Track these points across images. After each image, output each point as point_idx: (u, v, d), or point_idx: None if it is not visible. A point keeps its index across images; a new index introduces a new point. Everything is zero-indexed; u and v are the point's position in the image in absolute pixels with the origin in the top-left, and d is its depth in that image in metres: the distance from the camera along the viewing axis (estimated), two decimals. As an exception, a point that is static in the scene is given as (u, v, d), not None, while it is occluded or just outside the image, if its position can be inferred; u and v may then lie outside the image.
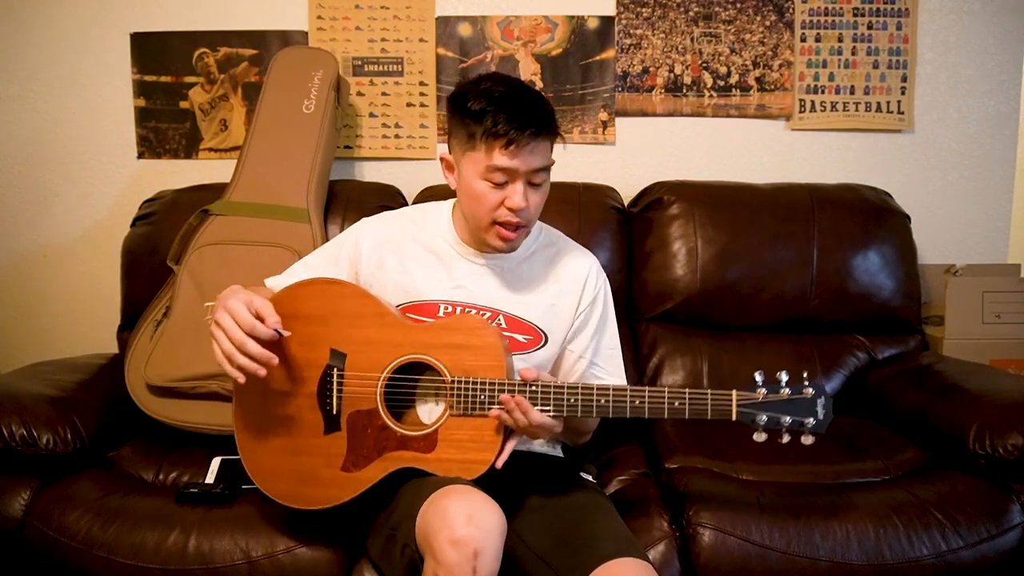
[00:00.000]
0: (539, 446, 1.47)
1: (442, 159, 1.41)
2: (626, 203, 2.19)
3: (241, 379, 1.24)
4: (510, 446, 1.28)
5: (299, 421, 1.34)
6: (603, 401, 1.26)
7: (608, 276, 1.54)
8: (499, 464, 1.26)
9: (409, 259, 1.44)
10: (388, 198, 2.13)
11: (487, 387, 1.27)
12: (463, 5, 2.29)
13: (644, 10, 2.28)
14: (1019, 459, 1.47)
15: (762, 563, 1.40)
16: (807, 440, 1.23)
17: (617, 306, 1.56)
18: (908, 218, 2.14)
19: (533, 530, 1.28)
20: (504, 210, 1.32)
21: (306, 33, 2.29)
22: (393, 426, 1.31)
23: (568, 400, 1.26)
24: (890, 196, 2.16)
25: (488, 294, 1.42)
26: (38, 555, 1.43)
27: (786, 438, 1.24)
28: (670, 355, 2.01)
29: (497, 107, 1.28)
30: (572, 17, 2.29)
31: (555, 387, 1.26)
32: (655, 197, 2.12)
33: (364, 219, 1.53)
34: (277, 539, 1.39)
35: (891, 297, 2.04)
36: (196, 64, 2.30)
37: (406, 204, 2.16)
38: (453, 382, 1.28)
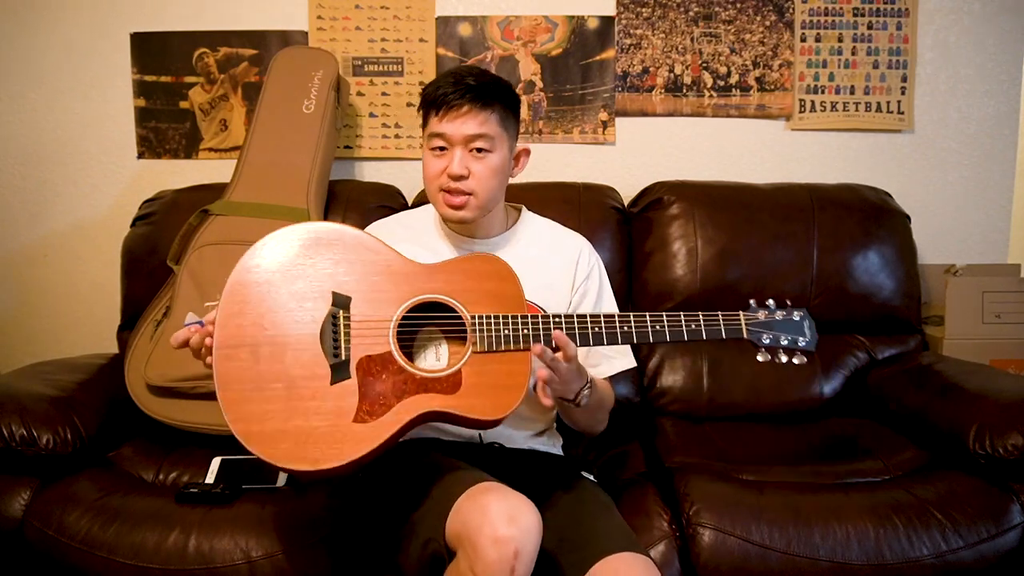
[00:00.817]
0: (541, 445, 1.47)
1: (422, 146, 1.46)
2: (626, 203, 2.19)
3: (207, 360, 1.19)
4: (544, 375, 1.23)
5: (299, 375, 1.19)
6: (626, 328, 1.29)
7: (608, 276, 1.54)
8: (541, 392, 1.23)
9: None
10: (388, 198, 2.13)
11: (509, 322, 1.25)
12: (463, 5, 2.29)
13: (644, 10, 2.28)
14: (1019, 459, 1.47)
15: (762, 563, 1.40)
16: (799, 360, 1.30)
17: (617, 306, 1.55)
18: (908, 218, 2.14)
19: (545, 517, 1.27)
20: (445, 177, 1.37)
21: (306, 33, 2.29)
22: (411, 369, 1.22)
23: (593, 329, 1.27)
24: (890, 196, 2.16)
25: None
26: (38, 555, 1.43)
27: (783, 358, 1.30)
28: (669, 355, 2.01)
29: (439, 78, 1.39)
30: (572, 17, 2.29)
31: (578, 317, 1.27)
32: (655, 197, 2.12)
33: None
34: (277, 539, 1.39)
35: (891, 297, 2.04)
36: (196, 64, 2.30)
37: (406, 204, 2.16)
38: (474, 319, 1.25)
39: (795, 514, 1.44)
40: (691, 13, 2.29)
